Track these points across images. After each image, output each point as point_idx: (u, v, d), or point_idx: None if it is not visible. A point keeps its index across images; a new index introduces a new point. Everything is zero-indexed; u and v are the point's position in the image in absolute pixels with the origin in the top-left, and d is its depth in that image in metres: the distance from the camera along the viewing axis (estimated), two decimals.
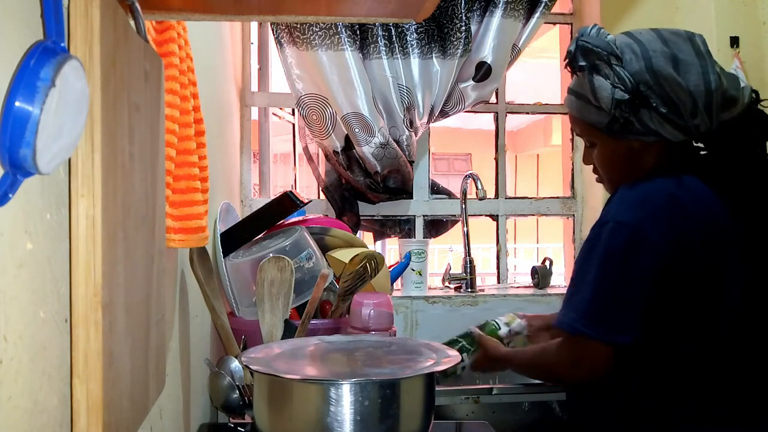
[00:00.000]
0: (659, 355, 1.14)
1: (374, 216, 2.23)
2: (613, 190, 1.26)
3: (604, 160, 1.27)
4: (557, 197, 2.39)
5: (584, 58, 1.18)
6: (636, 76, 1.15)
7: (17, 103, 0.43)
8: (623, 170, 1.24)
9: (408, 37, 2.05)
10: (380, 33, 2.02)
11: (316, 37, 1.95)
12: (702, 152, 1.24)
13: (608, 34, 1.20)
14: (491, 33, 2.09)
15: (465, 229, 2.22)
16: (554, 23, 2.43)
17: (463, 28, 2.04)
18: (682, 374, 1.14)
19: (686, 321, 1.12)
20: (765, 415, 1.15)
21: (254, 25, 2.24)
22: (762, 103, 1.22)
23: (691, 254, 1.11)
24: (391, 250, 2.57)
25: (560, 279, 2.49)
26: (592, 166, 1.32)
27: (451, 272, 2.24)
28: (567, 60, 1.23)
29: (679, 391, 1.14)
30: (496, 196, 2.35)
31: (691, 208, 1.13)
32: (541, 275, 2.24)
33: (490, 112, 2.37)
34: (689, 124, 1.15)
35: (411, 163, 2.10)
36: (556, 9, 2.23)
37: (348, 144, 2.07)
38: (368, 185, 2.08)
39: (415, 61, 2.05)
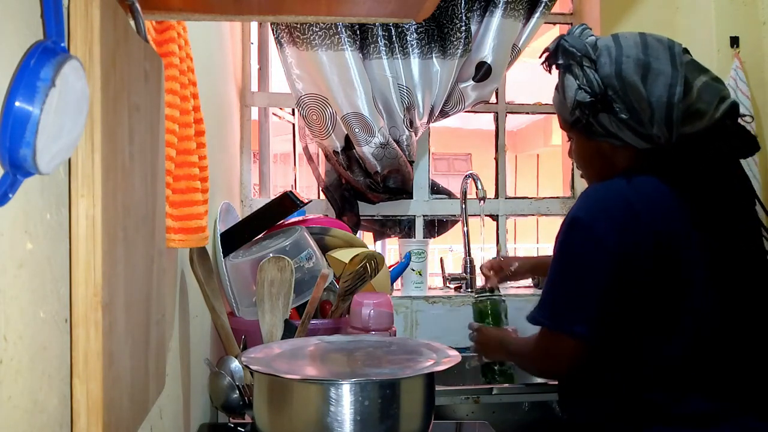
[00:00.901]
0: (641, 353, 1.15)
1: (374, 216, 2.23)
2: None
3: (578, 157, 1.31)
4: (557, 197, 2.39)
5: (561, 56, 1.21)
6: (605, 80, 1.17)
7: (17, 103, 0.43)
8: (596, 169, 1.28)
9: (408, 37, 2.05)
10: (380, 33, 2.02)
11: (316, 37, 1.95)
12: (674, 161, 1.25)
13: (591, 35, 1.22)
14: (491, 33, 2.09)
15: (465, 229, 2.22)
16: (554, 23, 2.43)
17: (463, 28, 2.04)
18: (667, 372, 1.14)
19: (652, 320, 1.14)
20: (753, 408, 1.15)
21: (254, 25, 2.24)
22: (745, 119, 1.22)
23: (642, 256, 1.12)
24: (391, 250, 2.57)
25: None
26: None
27: (447, 272, 2.24)
28: (546, 57, 1.26)
29: (662, 390, 1.14)
30: (496, 196, 2.35)
31: (644, 212, 1.14)
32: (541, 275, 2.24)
33: (490, 112, 2.37)
34: (649, 132, 1.16)
35: (411, 163, 2.10)
36: (556, 9, 2.23)
37: (348, 144, 2.07)
38: (368, 185, 2.08)
39: (415, 61, 2.05)
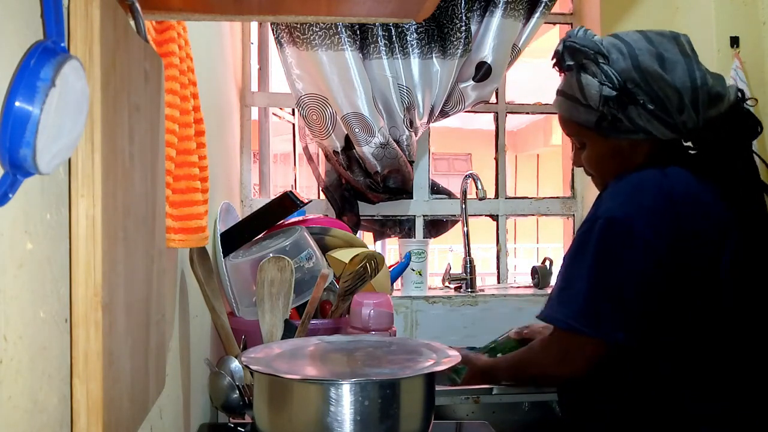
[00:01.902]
0: (659, 355, 1.14)
1: (374, 216, 2.23)
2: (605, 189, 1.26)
3: (594, 160, 1.27)
4: (557, 197, 2.39)
5: (571, 57, 1.20)
6: (623, 74, 1.16)
7: (17, 103, 0.43)
8: (614, 169, 1.24)
9: (408, 37, 2.05)
10: (380, 33, 2.02)
11: (316, 37, 1.95)
12: (691, 151, 1.25)
13: (595, 35, 1.22)
14: (491, 33, 2.09)
15: (465, 229, 2.22)
16: (554, 23, 2.44)
17: (463, 28, 2.04)
18: (683, 372, 1.14)
19: (682, 313, 1.12)
20: (764, 414, 1.15)
21: (254, 25, 2.24)
22: (748, 102, 1.23)
23: (683, 248, 1.11)
24: (391, 250, 2.57)
25: None
26: (583, 167, 1.32)
27: (451, 272, 2.24)
28: (554, 60, 1.25)
29: (680, 388, 1.14)
30: (496, 196, 2.35)
31: (681, 200, 1.13)
32: (541, 275, 2.24)
33: (490, 112, 2.37)
34: (676, 120, 1.16)
35: (411, 163, 2.10)
36: (556, 9, 2.23)
37: (348, 144, 2.07)
38: (368, 185, 2.08)
39: (415, 61, 2.05)
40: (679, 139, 1.20)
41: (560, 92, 1.27)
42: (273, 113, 2.34)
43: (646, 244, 1.10)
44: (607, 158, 1.25)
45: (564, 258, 1.22)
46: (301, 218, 1.72)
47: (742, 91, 1.21)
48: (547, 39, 2.81)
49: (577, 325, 1.14)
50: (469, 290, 2.17)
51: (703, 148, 1.21)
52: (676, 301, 1.12)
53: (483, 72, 2.11)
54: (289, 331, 1.33)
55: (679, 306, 1.13)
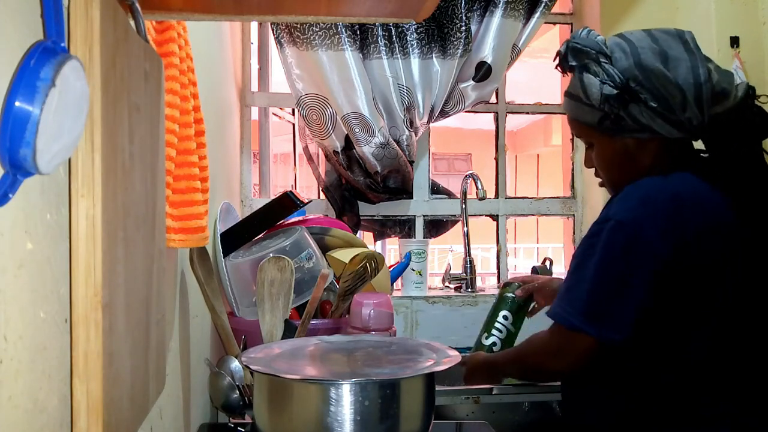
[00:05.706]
0: (661, 358, 1.14)
1: (374, 216, 2.23)
2: (614, 190, 1.25)
3: (602, 160, 1.27)
4: (557, 197, 2.39)
5: (574, 58, 1.20)
6: (626, 72, 1.16)
7: (17, 103, 0.43)
8: (621, 170, 1.24)
9: (408, 37, 2.05)
10: (380, 33, 2.02)
11: (316, 37, 1.95)
12: (702, 153, 1.24)
13: (598, 35, 1.22)
14: (491, 33, 2.09)
15: (465, 229, 2.22)
16: (554, 23, 2.43)
17: (463, 28, 2.04)
18: (684, 376, 1.14)
19: (683, 320, 1.13)
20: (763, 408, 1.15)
21: (254, 25, 2.24)
22: (760, 99, 1.22)
23: (689, 256, 1.11)
24: (391, 250, 2.57)
25: None
26: (594, 169, 1.32)
27: (451, 272, 2.24)
28: (557, 61, 1.25)
29: (683, 392, 1.14)
30: (496, 196, 2.35)
31: (692, 209, 1.13)
32: (541, 275, 2.24)
33: (490, 112, 2.37)
34: (680, 117, 1.15)
35: (411, 163, 2.10)
36: (556, 9, 2.22)
37: (348, 144, 2.07)
38: (368, 185, 2.08)
39: (415, 61, 2.05)
40: (687, 138, 1.20)
41: (566, 93, 1.27)
42: (273, 113, 2.34)
43: (653, 248, 1.10)
44: (614, 158, 1.25)
45: (573, 257, 1.22)
46: (301, 218, 1.72)
47: (753, 88, 1.19)
48: (547, 39, 2.81)
49: (578, 323, 1.14)
50: (469, 290, 2.17)
51: (714, 148, 1.20)
52: (679, 306, 1.12)
53: (483, 72, 2.11)
54: (289, 331, 1.33)
55: (682, 311, 1.13)
